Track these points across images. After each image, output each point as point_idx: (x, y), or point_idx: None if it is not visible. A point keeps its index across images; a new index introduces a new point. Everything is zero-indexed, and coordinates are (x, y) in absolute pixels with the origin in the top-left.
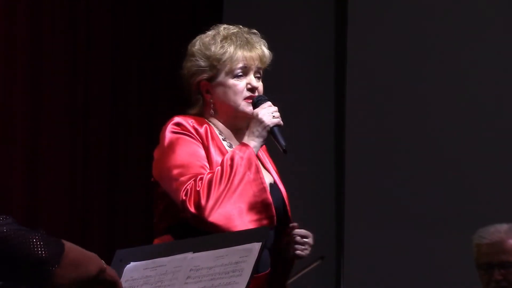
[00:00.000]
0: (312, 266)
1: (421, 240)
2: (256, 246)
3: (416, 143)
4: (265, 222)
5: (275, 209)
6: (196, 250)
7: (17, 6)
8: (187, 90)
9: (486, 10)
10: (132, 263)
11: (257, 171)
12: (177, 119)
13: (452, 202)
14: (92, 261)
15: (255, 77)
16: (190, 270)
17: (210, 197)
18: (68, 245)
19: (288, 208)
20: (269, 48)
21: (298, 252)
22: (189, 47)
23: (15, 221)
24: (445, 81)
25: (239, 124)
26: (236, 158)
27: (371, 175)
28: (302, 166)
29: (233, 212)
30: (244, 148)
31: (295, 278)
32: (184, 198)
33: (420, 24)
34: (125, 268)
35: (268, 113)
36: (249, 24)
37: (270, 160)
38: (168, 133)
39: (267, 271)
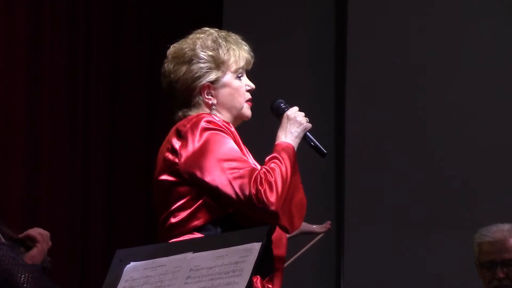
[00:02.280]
0: (313, 242)
1: (421, 240)
2: (256, 246)
3: (416, 143)
4: (299, 221)
5: None
6: (196, 250)
7: (17, 6)
8: (186, 93)
9: (487, 10)
10: (132, 263)
11: (297, 170)
12: (207, 116)
13: (452, 202)
14: None
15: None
16: (190, 270)
17: (282, 189)
18: None
19: None
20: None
21: None
22: (183, 51)
23: (9, 248)
24: (445, 82)
25: (235, 125)
26: (289, 157)
27: (371, 175)
28: (302, 166)
29: (290, 208)
30: (289, 146)
31: (298, 255)
32: (260, 187)
33: (421, 24)
34: (125, 268)
35: (303, 117)
36: (249, 24)
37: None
38: (203, 129)
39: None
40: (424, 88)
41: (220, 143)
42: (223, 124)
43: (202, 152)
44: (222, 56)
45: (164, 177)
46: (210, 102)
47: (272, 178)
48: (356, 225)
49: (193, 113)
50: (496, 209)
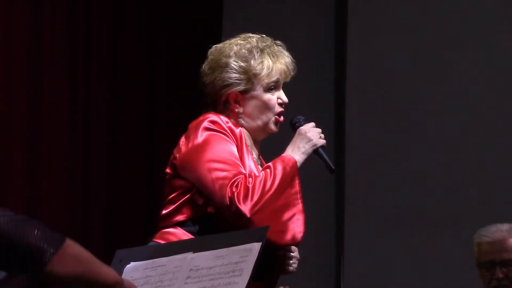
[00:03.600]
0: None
1: (421, 240)
2: (256, 246)
3: (416, 143)
4: (289, 235)
5: None
6: (196, 250)
7: (17, 6)
8: (213, 98)
9: (488, 11)
10: (132, 263)
11: (297, 185)
12: (213, 117)
13: (453, 202)
14: (106, 269)
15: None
16: (190, 270)
17: (260, 196)
18: (71, 241)
19: None
20: None
21: (289, 267)
22: (218, 56)
23: (14, 212)
24: (445, 82)
25: (260, 137)
26: (284, 168)
27: (371, 175)
28: (302, 166)
29: (271, 219)
30: (291, 160)
31: None
32: (234, 190)
33: (421, 24)
34: (125, 268)
35: (316, 133)
36: (249, 24)
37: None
38: (204, 128)
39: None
40: (425, 88)
41: (215, 144)
42: (228, 126)
43: (197, 151)
44: (254, 68)
45: (167, 169)
46: (236, 110)
47: (251, 184)
48: (356, 225)
49: None
50: (496, 209)
